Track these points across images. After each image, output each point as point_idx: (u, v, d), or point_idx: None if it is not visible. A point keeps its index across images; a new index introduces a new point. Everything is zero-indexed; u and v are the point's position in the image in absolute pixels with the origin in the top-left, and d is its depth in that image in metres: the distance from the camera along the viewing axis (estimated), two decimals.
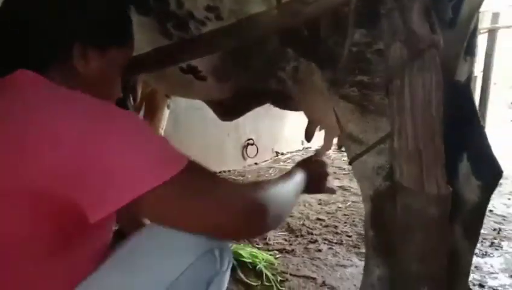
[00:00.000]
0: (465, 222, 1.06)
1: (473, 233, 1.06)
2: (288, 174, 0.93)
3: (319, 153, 1.18)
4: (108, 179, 0.62)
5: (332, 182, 1.06)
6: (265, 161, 3.46)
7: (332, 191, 1.01)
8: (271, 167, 3.35)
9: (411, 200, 0.79)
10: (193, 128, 2.86)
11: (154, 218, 0.72)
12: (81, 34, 0.76)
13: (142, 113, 1.99)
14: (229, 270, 0.87)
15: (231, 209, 0.69)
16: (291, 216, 2.41)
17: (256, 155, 3.38)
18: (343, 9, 0.85)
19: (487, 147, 1.03)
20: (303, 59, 1.04)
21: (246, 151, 3.31)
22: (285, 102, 1.31)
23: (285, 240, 2.11)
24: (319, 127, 1.37)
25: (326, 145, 1.27)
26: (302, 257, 1.93)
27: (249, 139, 3.31)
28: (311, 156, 1.12)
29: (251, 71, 1.22)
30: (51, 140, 0.62)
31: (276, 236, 2.13)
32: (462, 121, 1.05)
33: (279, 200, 0.79)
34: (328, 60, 0.95)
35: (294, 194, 0.87)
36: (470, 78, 1.07)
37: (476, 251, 2.09)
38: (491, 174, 1.01)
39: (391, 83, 0.78)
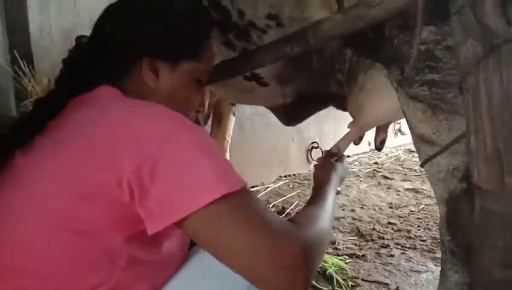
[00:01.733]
0: None
1: None
2: (323, 195, 0.89)
3: (337, 152, 1.16)
4: (169, 192, 0.61)
5: None
6: None
7: (338, 192, 0.99)
8: None
9: (491, 203, 0.75)
10: (258, 134, 2.91)
11: (199, 239, 0.64)
12: (148, 49, 0.78)
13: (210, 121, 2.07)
14: None
15: (283, 248, 0.60)
16: (360, 220, 2.37)
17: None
18: (409, 8, 0.83)
19: None
20: (363, 60, 1.04)
21: (311, 154, 3.29)
22: (344, 104, 1.30)
23: (355, 245, 2.07)
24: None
25: (346, 142, 1.24)
26: (374, 262, 1.89)
27: (313, 143, 3.29)
28: (329, 156, 1.11)
29: (311, 75, 1.23)
30: (127, 150, 0.63)
31: (345, 241, 2.11)
32: None
33: (322, 241, 0.71)
34: (395, 59, 0.93)
35: (331, 222, 0.81)
36: None
37: None
38: None
39: (465, 80, 0.75)
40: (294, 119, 1.50)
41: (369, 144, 3.72)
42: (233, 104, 2.02)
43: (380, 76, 1.04)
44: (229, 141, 2.07)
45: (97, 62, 0.80)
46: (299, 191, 2.84)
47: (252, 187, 2.87)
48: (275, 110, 1.52)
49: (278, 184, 2.96)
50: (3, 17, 2.10)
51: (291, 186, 2.95)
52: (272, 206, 2.54)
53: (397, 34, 0.91)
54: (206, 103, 1.91)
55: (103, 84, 0.77)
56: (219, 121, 2.03)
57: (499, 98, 0.73)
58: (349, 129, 1.27)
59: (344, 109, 1.42)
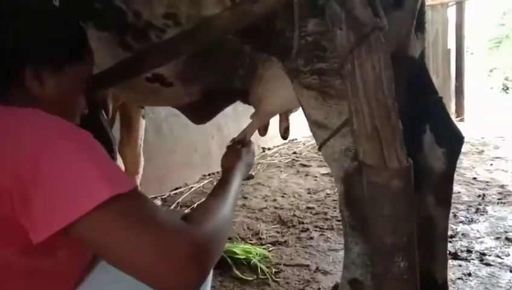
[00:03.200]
0: (436, 189, 1.11)
1: (444, 199, 1.10)
2: (227, 183, 0.92)
3: (241, 140, 1.22)
4: (50, 200, 0.59)
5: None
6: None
7: (251, 176, 1.05)
8: (259, 163, 3.38)
9: (375, 176, 0.83)
10: (176, 135, 2.89)
11: (89, 245, 0.62)
12: (30, 56, 0.75)
13: (117, 126, 2.01)
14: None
15: (174, 249, 0.60)
16: (281, 208, 2.46)
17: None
18: (291, 3, 0.88)
19: (447, 116, 1.07)
20: (257, 53, 1.08)
21: None
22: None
23: (278, 232, 2.15)
24: None
25: (248, 131, 1.31)
26: (295, 246, 1.98)
27: (233, 140, 3.33)
28: (234, 145, 1.16)
29: (214, 72, 1.25)
30: (3, 160, 0.60)
31: (268, 230, 2.17)
32: (421, 94, 1.10)
33: (223, 228, 0.73)
34: (286, 52, 0.98)
35: (233, 210, 0.84)
36: (423, 53, 1.12)
37: (462, 218, 2.16)
38: (453, 140, 1.05)
39: (343, 67, 0.82)
40: (203, 117, 1.51)
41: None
42: (142, 107, 1.97)
43: (276, 68, 1.09)
44: (142, 144, 2.02)
45: None
46: None
47: (176, 189, 2.84)
48: (183, 109, 1.52)
49: (202, 183, 2.96)
50: None
51: (214, 183, 2.96)
52: (183, 217, 2.53)
53: (286, 28, 0.96)
54: (110, 106, 1.85)
55: None
56: (129, 126, 1.97)
57: (373, 82, 0.80)
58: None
59: (250, 103, 1.47)
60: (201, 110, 1.48)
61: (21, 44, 0.75)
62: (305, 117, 1.02)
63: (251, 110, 2.01)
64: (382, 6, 0.86)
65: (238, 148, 1.19)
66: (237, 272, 1.74)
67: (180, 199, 2.64)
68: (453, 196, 2.35)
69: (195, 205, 2.55)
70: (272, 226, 2.21)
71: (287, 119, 1.41)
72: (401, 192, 0.82)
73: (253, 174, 2.93)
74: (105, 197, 0.58)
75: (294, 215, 2.33)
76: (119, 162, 1.91)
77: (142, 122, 2.03)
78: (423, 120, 1.10)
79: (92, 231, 0.59)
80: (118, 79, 1.11)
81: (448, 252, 1.76)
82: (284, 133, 1.44)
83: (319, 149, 1.01)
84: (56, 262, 0.71)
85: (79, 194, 0.59)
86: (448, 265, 1.69)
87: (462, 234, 1.98)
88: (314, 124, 0.99)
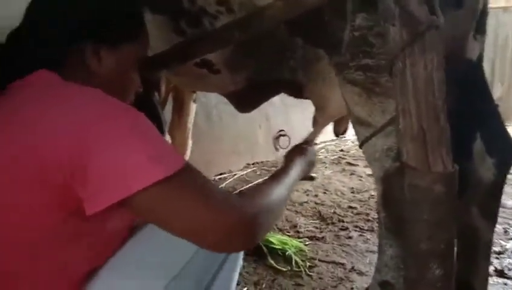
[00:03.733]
0: (482, 201, 1.06)
1: (490, 212, 1.05)
2: (285, 171, 0.96)
3: (308, 140, 1.23)
4: (105, 175, 0.64)
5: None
6: None
7: (311, 177, 1.05)
8: None
9: (417, 179, 0.80)
10: (225, 121, 2.94)
11: (145, 217, 0.71)
12: (91, 34, 0.80)
13: (168, 108, 2.08)
14: (241, 255, 0.92)
15: (222, 220, 0.67)
16: (322, 204, 2.44)
17: (288, 146, 3.41)
18: None
19: (501, 125, 1.02)
20: (311, 46, 1.07)
21: (278, 142, 3.34)
22: (298, 91, 1.34)
23: (316, 227, 2.14)
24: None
25: (315, 132, 1.31)
26: (332, 243, 1.97)
27: (280, 131, 3.34)
28: (301, 144, 1.18)
29: (262, 61, 1.26)
30: (57, 133, 0.66)
31: (306, 224, 2.17)
32: (475, 100, 1.05)
33: (273, 210, 0.78)
34: (334, 46, 0.97)
35: (287, 196, 0.88)
36: (481, 56, 1.06)
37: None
38: (505, 151, 1.00)
39: (393, 65, 0.80)
40: (248, 106, 1.53)
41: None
42: (194, 92, 2.03)
43: None
44: (191, 128, 2.08)
45: (33, 49, 0.79)
46: (266, 177, 2.89)
47: (220, 174, 2.90)
48: (228, 96, 1.54)
49: (246, 171, 3.00)
50: None
51: (258, 173, 3.00)
52: (238, 192, 2.58)
53: (334, 21, 0.95)
54: (163, 88, 1.92)
55: (42, 69, 0.77)
56: (180, 109, 2.04)
57: (423, 82, 0.78)
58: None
59: (296, 96, 1.47)
60: (247, 99, 1.50)
61: (82, 23, 0.80)
62: (348, 113, 1.01)
63: (300, 102, 2.02)
64: (440, 3, 0.83)
65: (302, 146, 1.20)
66: (272, 262, 1.76)
67: (223, 185, 2.70)
68: (506, 211, 2.23)
69: (237, 191, 2.59)
70: (311, 221, 2.21)
71: (348, 121, 1.39)
72: (443, 198, 0.79)
73: (315, 176, 2.90)
74: (160, 176, 0.63)
75: (334, 212, 2.31)
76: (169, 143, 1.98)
77: (193, 107, 2.09)
78: (475, 127, 1.05)
79: (147, 204, 0.65)
80: (170, 63, 1.15)
81: (494, 268, 1.69)
82: (342, 133, 1.43)
83: (360, 147, 1.00)
84: (103, 229, 0.77)
85: (134, 172, 0.64)
86: (493, 282, 1.62)
87: None
88: (357, 121, 0.98)
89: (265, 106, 3.33)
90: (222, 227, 0.67)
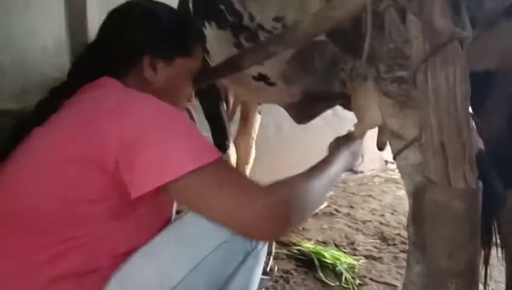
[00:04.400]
0: None
1: None
2: (328, 161, 1.00)
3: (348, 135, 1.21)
4: (148, 165, 0.75)
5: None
6: (372, 169, 3.39)
7: (357, 171, 1.05)
8: (377, 176, 3.27)
9: (437, 194, 0.78)
10: (296, 136, 2.98)
11: (184, 202, 0.82)
12: (148, 48, 0.93)
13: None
14: (265, 249, 0.96)
15: (254, 207, 0.74)
16: (387, 225, 2.36)
17: (360, 163, 3.33)
18: (377, 10, 0.89)
19: None
20: (356, 59, 1.09)
21: None
22: (349, 103, 1.35)
23: (375, 247, 2.08)
24: None
25: (357, 135, 1.27)
26: (389, 264, 1.90)
27: None
28: (340, 137, 1.17)
29: (315, 74, 1.30)
30: (115, 129, 0.78)
31: (365, 243, 2.12)
32: None
33: (308, 199, 0.83)
34: (373, 58, 0.99)
35: (327, 188, 0.93)
36: None
37: None
38: None
39: (416, 77, 0.80)
40: (304, 117, 1.58)
41: None
42: (259, 104, 2.12)
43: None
44: (254, 137, 2.17)
45: (103, 59, 0.95)
46: (332, 193, 2.86)
47: None
48: (287, 108, 1.60)
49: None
50: (66, 20, 2.40)
51: None
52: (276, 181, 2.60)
53: (373, 34, 0.96)
54: (231, 100, 2.05)
55: (107, 76, 0.92)
56: (245, 120, 2.15)
57: (445, 94, 0.76)
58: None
59: (350, 109, 1.47)
60: (303, 110, 1.55)
61: (142, 39, 0.94)
62: (382, 124, 1.00)
63: None
64: (488, 13, 0.81)
65: (347, 137, 1.23)
66: (321, 275, 1.76)
67: None
68: None
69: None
70: (371, 240, 2.15)
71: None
72: (463, 215, 0.76)
73: (361, 171, 2.82)
74: (191, 168, 0.74)
75: (398, 234, 2.21)
76: (233, 151, 2.08)
77: (258, 118, 2.19)
78: None
79: (182, 191, 0.77)
80: (223, 73, 1.25)
81: None
82: (381, 146, 1.40)
83: (394, 159, 0.99)
84: (137, 216, 0.87)
85: (170, 164, 0.75)
86: None
87: None
88: (391, 133, 0.97)
89: (339, 121, 3.34)
90: (251, 212, 0.75)
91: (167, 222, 0.95)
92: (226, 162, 0.81)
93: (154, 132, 0.77)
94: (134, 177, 0.76)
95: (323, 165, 0.97)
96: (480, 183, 0.77)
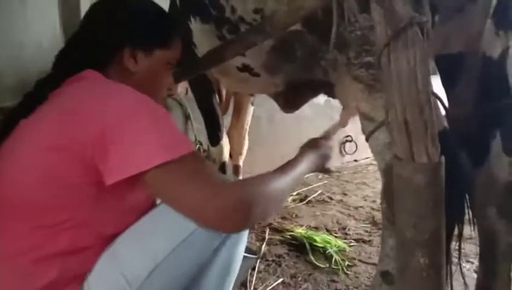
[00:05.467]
0: (499, 201, 1.03)
1: (508, 212, 1.02)
2: (293, 163, 1.02)
3: (331, 130, 1.25)
4: (121, 155, 0.79)
5: (331, 163, 1.16)
6: (366, 158, 3.45)
7: (329, 171, 1.09)
8: (371, 164, 3.33)
9: (401, 169, 0.84)
10: (288, 126, 3.04)
11: (154, 193, 0.88)
12: (129, 40, 0.98)
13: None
14: (246, 232, 1.02)
15: (217, 201, 0.77)
16: (378, 210, 2.41)
17: (355, 152, 3.39)
18: None
19: None
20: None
21: (344, 148, 3.35)
22: (333, 91, 1.40)
23: (366, 231, 2.14)
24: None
25: (334, 128, 1.32)
26: (378, 247, 1.95)
27: (347, 136, 3.35)
28: (318, 138, 1.21)
29: (297, 63, 1.35)
30: (94, 119, 0.82)
31: (357, 227, 2.18)
32: (495, 98, 1.03)
33: (270, 196, 0.86)
34: (342, 45, 1.04)
35: (290, 187, 0.95)
36: (504, 53, 1.03)
37: None
38: None
39: (380, 60, 0.85)
40: (291, 106, 1.63)
41: None
42: (252, 95, 2.17)
43: None
44: (247, 128, 2.23)
45: (85, 51, 0.99)
46: (326, 181, 2.93)
47: None
48: (273, 98, 1.66)
49: (308, 175, 3.05)
50: (60, 17, 2.45)
51: (320, 177, 3.04)
52: (296, 194, 2.66)
53: (340, 23, 1.01)
54: (223, 92, 2.10)
55: (90, 69, 0.97)
56: (238, 111, 2.20)
57: (406, 76, 0.82)
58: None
59: (334, 96, 1.52)
60: (289, 100, 1.60)
61: (123, 31, 0.99)
62: (356, 109, 1.06)
63: None
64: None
65: (318, 140, 1.25)
66: (312, 258, 1.82)
67: None
68: None
69: (295, 193, 2.68)
70: (362, 225, 2.21)
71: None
72: (425, 188, 0.82)
73: (335, 170, 2.87)
74: (162, 160, 0.77)
75: None
76: (226, 142, 2.13)
77: (250, 109, 2.24)
78: (494, 125, 1.03)
79: (153, 182, 0.79)
80: (207, 64, 1.30)
81: None
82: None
83: (366, 140, 1.04)
84: (124, 200, 0.93)
85: (143, 155, 0.78)
86: None
87: None
88: (362, 116, 1.03)
89: (332, 111, 3.38)
90: (217, 207, 0.77)
91: (151, 205, 1.00)
92: (196, 156, 0.82)
93: (128, 123, 0.80)
94: (107, 166, 0.80)
95: (287, 167, 0.99)
96: (443, 159, 0.82)
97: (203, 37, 1.48)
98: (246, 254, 1.08)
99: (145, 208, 0.98)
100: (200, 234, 0.91)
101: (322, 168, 1.18)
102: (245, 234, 1.02)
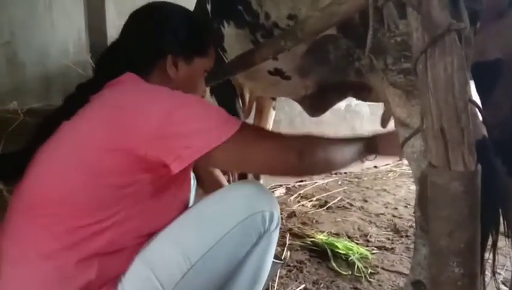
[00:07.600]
0: None
1: None
2: (349, 141, 1.15)
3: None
4: (185, 141, 0.87)
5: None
6: (387, 164, 3.41)
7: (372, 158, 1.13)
8: (391, 171, 3.29)
9: (436, 177, 0.83)
10: (308, 130, 3.01)
11: (226, 166, 1.02)
12: (171, 49, 1.03)
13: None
14: (277, 231, 1.02)
15: (284, 150, 0.95)
16: (400, 217, 2.39)
17: (375, 158, 3.35)
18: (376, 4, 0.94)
19: None
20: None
21: None
22: (365, 93, 1.40)
23: (388, 239, 2.12)
24: None
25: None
26: (401, 254, 1.94)
27: None
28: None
29: (330, 66, 1.35)
30: (145, 117, 0.87)
31: (378, 235, 2.16)
32: None
33: (329, 152, 1.02)
34: (380, 51, 1.03)
35: (346, 152, 1.12)
36: None
37: None
38: None
39: (416, 67, 0.84)
40: (318, 109, 1.63)
41: None
42: (274, 99, 2.18)
43: None
44: None
45: (126, 59, 1.04)
46: (345, 187, 2.91)
47: (301, 181, 3.00)
48: (300, 102, 1.66)
49: (327, 181, 3.04)
50: (85, 20, 2.50)
51: (339, 183, 3.02)
52: (316, 199, 2.65)
53: (378, 28, 1.01)
54: (246, 97, 2.11)
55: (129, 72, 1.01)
56: (260, 115, 2.21)
57: (443, 83, 0.81)
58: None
59: (364, 99, 1.52)
60: (316, 103, 1.60)
61: (167, 41, 1.04)
62: (392, 114, 1.05)
63: None
64: (494, 5, 0.85)
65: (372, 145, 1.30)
66: (334, 264, 1.81)
67: (302, 191, 2.79)
68: None
69: (315, 198, 2.67)
70: (384, 232, 2.19)
71: None
72: (461, 196, 0.81)
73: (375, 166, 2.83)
74: (231, 132, 0.89)
75: (411, 226, 2.24)
76: None
77: (272, 113, 2.26)
78: None
79: (226, 154, 0.90)
80: (236, 69, 1.31)
81: None
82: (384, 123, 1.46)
83: (401, 147, 1.03)
84: (157, 202, 0.94)
85: (212, 133, 0.89)
86: None
87: None
88: (398, 122, 1.02)
89: (353, 117, 3.36)
90: (286, 153, 0.95)
91: (185, 207, 1.02)
92: (248, 124, 1.01)
93: (184, 111, 0.89)
94: (173, 154, 0.87)
95: (345, 140, 1.15)
96: (479, 167, 0.81)
97: (236, 42, 1.49)
98: (273, 260, 1.08)
99: (179, 209, 1.00)
100: (233, 237, 0.93)
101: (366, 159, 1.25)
102: (275, 238, 1.02)
